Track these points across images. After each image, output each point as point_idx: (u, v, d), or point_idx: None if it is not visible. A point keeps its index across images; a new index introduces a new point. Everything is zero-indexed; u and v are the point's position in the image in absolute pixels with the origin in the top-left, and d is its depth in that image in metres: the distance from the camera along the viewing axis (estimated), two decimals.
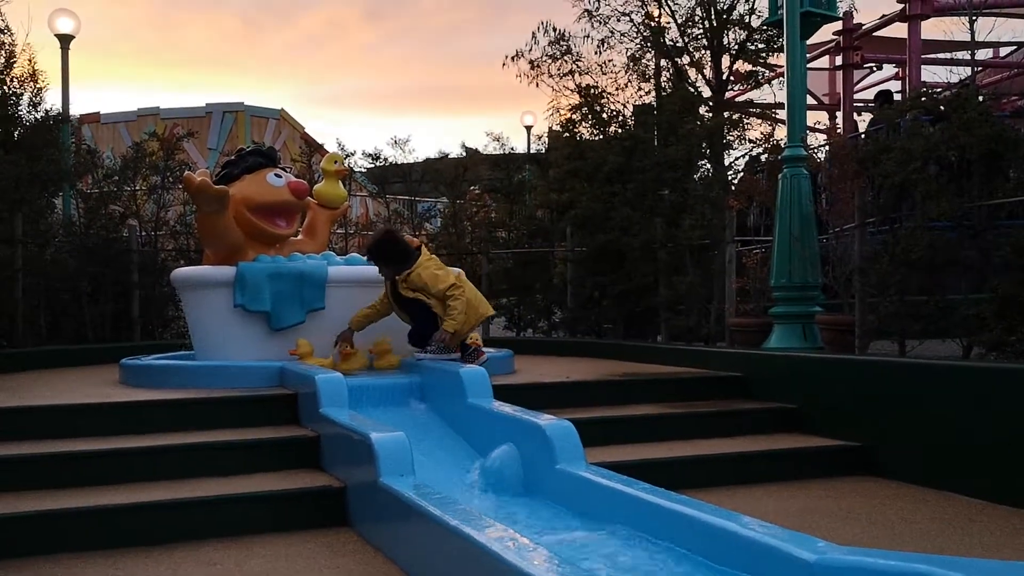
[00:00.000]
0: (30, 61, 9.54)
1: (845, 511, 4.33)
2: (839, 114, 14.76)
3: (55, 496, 4.12)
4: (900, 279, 5.99)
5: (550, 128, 12.26)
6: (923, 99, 7.00)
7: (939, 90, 9.03)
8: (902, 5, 11.91)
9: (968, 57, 11.07)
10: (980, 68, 12.94)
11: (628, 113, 11.09)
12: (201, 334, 6.52)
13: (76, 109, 11.77)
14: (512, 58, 12.72)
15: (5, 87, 9.37)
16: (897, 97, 12.45)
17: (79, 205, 10.24)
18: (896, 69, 15.48)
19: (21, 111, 9.59)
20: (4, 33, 9.39)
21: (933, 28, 12.17)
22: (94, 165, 10.41)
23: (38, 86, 9.66)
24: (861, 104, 15.27)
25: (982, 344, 5.49)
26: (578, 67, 12.34)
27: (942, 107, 6.39)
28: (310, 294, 6.18)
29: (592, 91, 11.13)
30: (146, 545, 3.94)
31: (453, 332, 5.52)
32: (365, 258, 6.14)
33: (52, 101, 11.16)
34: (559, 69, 12.32)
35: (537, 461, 4.20)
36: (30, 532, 3.85)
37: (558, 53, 12.30)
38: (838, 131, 12.92)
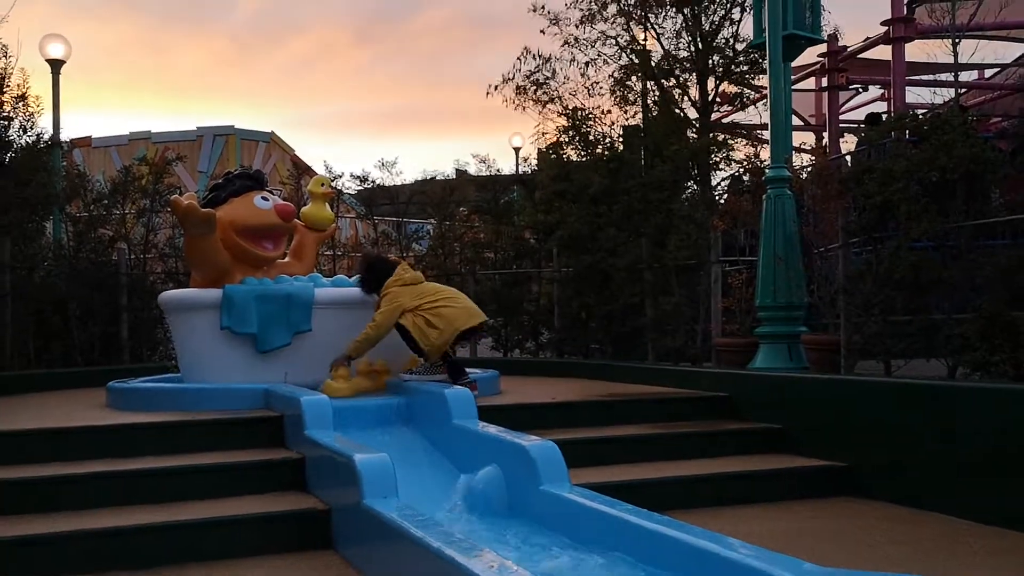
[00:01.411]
0: (19, 85, 9.55)
1: (831, 532, 4.34)
2: (825, 135, 14.90)
3: (40, 520, 4.11)
4: (884, 299, 6.03)
5: (539, 149, 12.34)
6: (906, 120, 7.06)
7: (923, 111, 9.14)
8: (886, 28, 12.06)
9: (951, 78, 11.23)
10: (964, 89, 13.10)
11: (615, 135, 11.17)
12: (188, 356, 6.52)
13: (67, 134, 11.73)
14: (496, 87, 12.82)
15: None
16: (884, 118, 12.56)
17: (68, 229, 10.23)
18: (881, 90, 15.65)
19: (12, 135, 9.60)
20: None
21: (917, 50, 12.33)
22: (83, 189, 10.40)
23: (30, 110, 9.68)
24: (847, 125, 15.42)
25: (967, 364, 5.52)
26: (564, 90, 12.44)
27: (925, 127, 6.45)
28: (297, 316, 6.19)
29: (579, 113, 11.21)
30: (131, 569, 3.93)
31: (345, 356, 5.71)
32: (351, 279, 6.19)
33: (43, 125, 11.19)
34: (545, 95, 12.41)
35: (522, 482, 4.21)
36: (15, 557, 3.84)
37: (542, 78, 12.40)
38: (825, 151, 13.03)
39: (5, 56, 9.42)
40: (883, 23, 12.10)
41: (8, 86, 9.47)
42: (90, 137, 23.14)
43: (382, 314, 5.76)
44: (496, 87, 12.72)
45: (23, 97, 9.55)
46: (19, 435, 4.91)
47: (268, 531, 4.22)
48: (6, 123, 9.46)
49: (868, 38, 13.15)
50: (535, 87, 12.44)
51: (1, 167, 9.28)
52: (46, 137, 10.10)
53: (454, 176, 13.89)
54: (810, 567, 2.90)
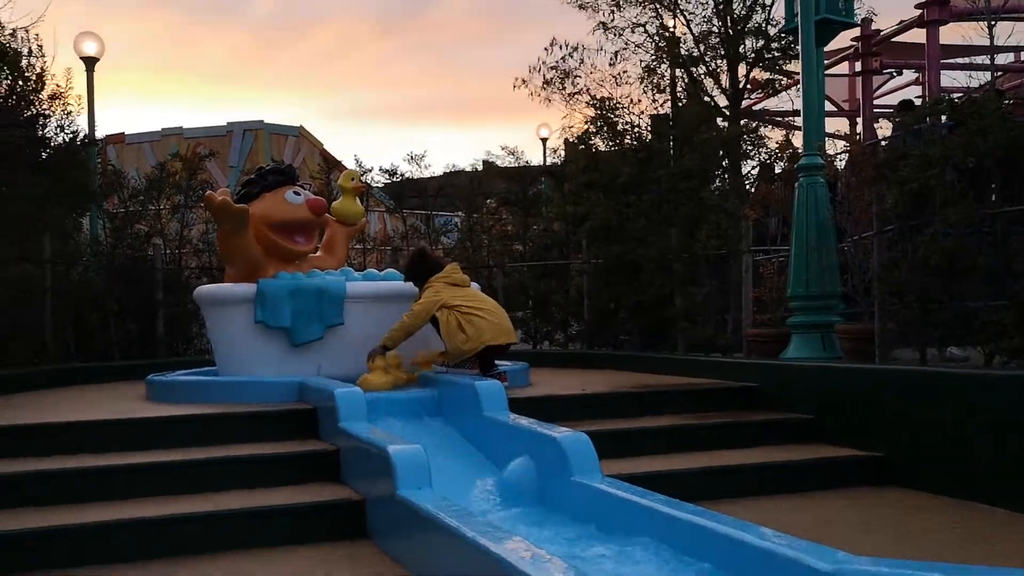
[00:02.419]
0: (59, 85, 9.74)
1: (865, 522, 4.31)
2: (859, 120, 14.70)
3: (83, 510, 4.20)
4: (919, 286, 5.95)
5: (566, 140, 12.30)
6: (942, 105, 6.95)
7: (958, 95, 8.99)
8: (920, 11, 11.87)
9: (987, 61, 11.02)
10: (1000, 72, 12.85)
11: (643, 124, 11.10)
12: (223, 350, 6.61)
13: (101, 130, 11.91)
14: (523, 81, 12.78)
15: (33, 109, 9.56)
16: (918, 103, 12.37)
17: (105, 225, 10.41)
18: (915, 74, 15.40)
19: (48, 133, 9.79)
20: (35, 56, 9.60)
21: (952, 33, 12.12)
22: (119, 186, 10.58)
23: (67, 109, 9.86)
24: (881, 110, 15.19)
25: (1003, 352, 5.45)
26: (592, 79, 12.38)
27: (962, 111, 6.34)
28: (329, 310, 6.25)
29: (607, 103, 11.16)
30: (171, 557, 4.01)
31: (381, 346, 5.68)
32: (382, 272, 6.23)
33: (78, 123, 11.37)
34: (572, 85, 12.36)
35: (553, 473, 4.22)
36: (60, 545, 3.93)
37: (571, 68, 12.34)
38: (858, 137, 12.87)
39: (41, 56, 9.61)
40: (917, 6, 11.92)
41: (44, 85, 9.66)
42: (123, 133, 23.43)
43: (420, 304, 5.77)
44: (524, 80, 12.68)
45: (60, 96, 9.73)
46: (62, 427, 5.02)
47: (304, 521, 4.28)
48: (43, 121, 9.65)
49: (902, 21, 12.95)
50: (562, 77, 12.39)
51: (39, 164, 9.47)
52: (82, 134, 10.28)
53: (481, 168, 13.89)
54: (844, 556, 2.89)
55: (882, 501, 4.73)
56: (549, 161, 14.53)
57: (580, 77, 12.42)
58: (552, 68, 12.52)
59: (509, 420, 4.81)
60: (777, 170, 10.08)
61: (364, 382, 5.52)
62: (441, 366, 5.96)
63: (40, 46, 9.56)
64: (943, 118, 6.66)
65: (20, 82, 9.41)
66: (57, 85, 9.68)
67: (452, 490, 4.11)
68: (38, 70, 9.53)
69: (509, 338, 5.92)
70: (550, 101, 12.63)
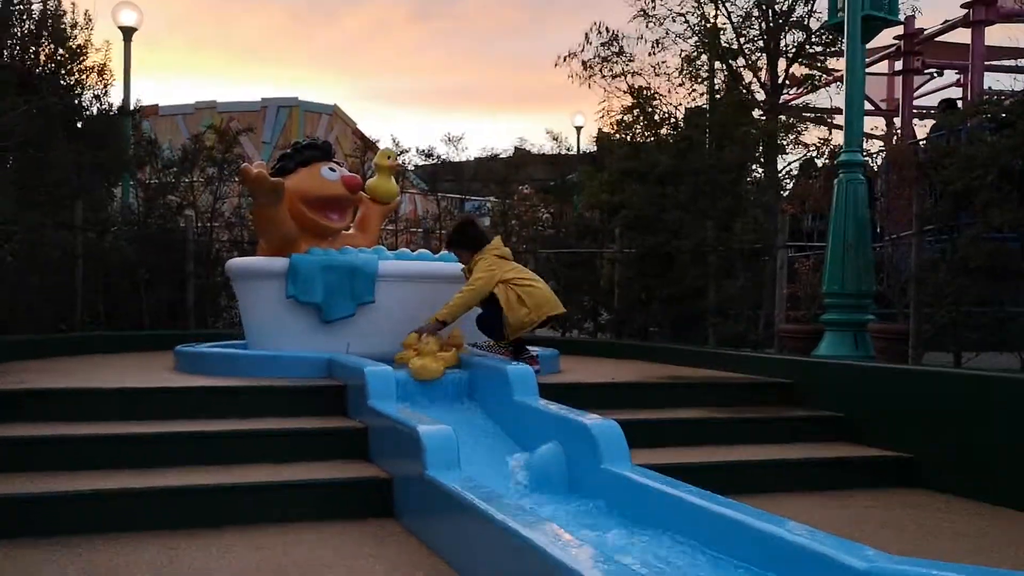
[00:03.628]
0: (104, 57, 9.85)
1: (894, 522, 4.25)
2: (897, 120, 14.49)
3: (110, 476, 4.22)
4: (957, 289, 5.86)
5: (599, 130, 12.22)
6: (990, 104, 6.82)
7: (1003, 98, 8.81)
8: (966, 10, 11.67)
9: None
10: None
11: (680, 115, 11.01)
12: (254, 324, 6.63)
13: (134, 100, 11.98)
14: (564, 58, 12.69)
15: (72, 78, 9.66)
16: (960, 104, 12.17)
17: (138, 194, 10.49)
18: (958, 75, 15.15)
19: (85, 102, 9.89)
20: (74, 28, 9.69)
21: (998, 34, 11.91)
22: (153, 156, 10.65)
23: (104, 80, 9.96)
24: (921, 110, 14.96)
25: None
26: (631, 68, 12.27)
27: (1004, 115, 6.22)
28: (361, 287, 6.24)
29: (645, 92, 11.06)
30: (196, 527, 4.02)
31: (439, 321, 5.57)
32: (415, 252, 6.19)
33: (114, 93, 11.48)
34: (611, 70, 12.24)
35: (582, 460, 4.20)
36: (86, 511, 3.95)
37: (611, 54, 12.22)
38: (896, 136, 12.68)
39: (87, 27, 9.71)
40: (963, 5, 11.71)
41: (84, 56, 9.75)
42: (157, 105, 23.59)
43: (481, 279, 5.60)
44: (565, 58, 12.56)
45: (101, 68, 9.84)
46: (91, 394, 5.05)
47: (331, 497, 4.28)
48: (80, 90, 9.75)
49: (947, 20, 12.73)
50: (603, 62, 12.28)
51: (75, 132, 9.56)
52: (118, 104, 10.37)
53: (513, 154, 13.85)
54: (874, 553, 2.85)
55: (911, 502, 4.67)
56: (584, 149, 14.47)
57: (620, 63, 12.30)
58: (596, 49, 12.38)
59: (539, 405, 4.78)
60: (817, 163, 9.98)
61: (423, 369, 5.29)
62: (476, 346, 5.93)
63: (89, 19, 9.68)
64: (987, 118, 6.54)
65: (60, 50, 9.51)
66: (102, 59, 9.79)
67: (480, 473, 4.09)
68: (80, 41, 9.64)
69: (560, 308, 5.82)
70: (590, 86, 12.52)
